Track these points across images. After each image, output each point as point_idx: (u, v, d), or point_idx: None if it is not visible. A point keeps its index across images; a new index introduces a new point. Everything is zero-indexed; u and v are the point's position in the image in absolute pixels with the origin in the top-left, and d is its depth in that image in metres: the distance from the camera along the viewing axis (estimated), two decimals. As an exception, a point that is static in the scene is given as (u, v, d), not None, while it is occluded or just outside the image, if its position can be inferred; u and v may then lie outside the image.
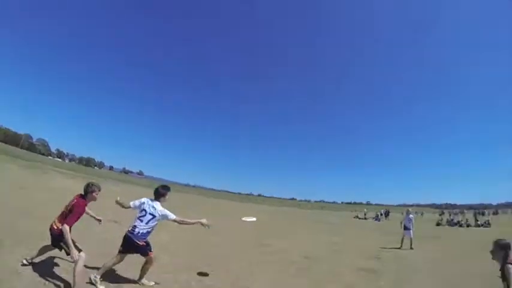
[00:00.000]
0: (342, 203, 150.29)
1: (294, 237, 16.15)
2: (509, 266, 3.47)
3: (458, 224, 32.94)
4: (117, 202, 5.38)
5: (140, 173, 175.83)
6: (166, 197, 5.28)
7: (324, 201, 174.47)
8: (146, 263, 5.11)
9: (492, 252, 3.83)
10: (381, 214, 46.05)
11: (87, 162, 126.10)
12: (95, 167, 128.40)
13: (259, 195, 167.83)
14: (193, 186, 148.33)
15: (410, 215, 14.34)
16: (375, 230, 25.83)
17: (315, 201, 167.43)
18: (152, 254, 5.06)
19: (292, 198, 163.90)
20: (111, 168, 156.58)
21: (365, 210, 54.21)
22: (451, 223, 34.20)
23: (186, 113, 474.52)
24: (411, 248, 13.36)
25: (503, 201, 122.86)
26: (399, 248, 13.54)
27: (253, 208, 47.48)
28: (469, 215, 46.08)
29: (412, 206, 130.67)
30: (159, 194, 5.19)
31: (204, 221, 5.15)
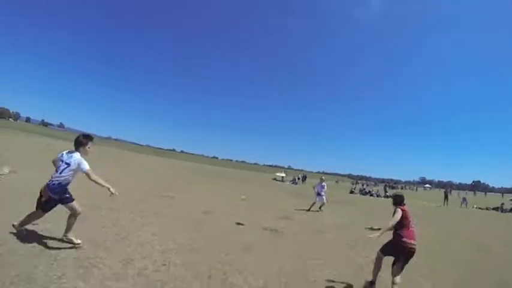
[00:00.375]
0: (263, 165, 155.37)
1: (200, 192, 15.98)
2: (398, 209, 4.95)
3: (369, 193, 36.90)
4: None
5: (61, 126, 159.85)
6: (87, 147, 4.95)
7: (245, 162, 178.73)
8: (70, 216, 4.94)
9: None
10: (299, 178, 48.75)
11: (0, 114, 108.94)
12: (10, 119, 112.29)
13: (181, 151, 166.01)
14: (115, 140, 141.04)
15: (323, 183, 15.10)
16: (289, 192, 26.79)
17: (236, 161, 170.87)
18: (74, 204, 4.89)
19: (214, 157, 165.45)
20: (28, 119, 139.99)
21: (283, 173, 55.87)
22: (362, 192, 38.10)
23: (112, 61, 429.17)
24: (320, 209, 14.43)
25: (410, 179, 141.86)
26: (308, 210, 14.17)
27: (170, 163, 48.62)
28: (381, 188, 50.58)
29: (330, 174, 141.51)
30: (79, 143, 4.89)
31: (112, 190, 4.74)
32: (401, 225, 4.83)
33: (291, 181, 45.85)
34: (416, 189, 79.23)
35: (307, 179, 50.56)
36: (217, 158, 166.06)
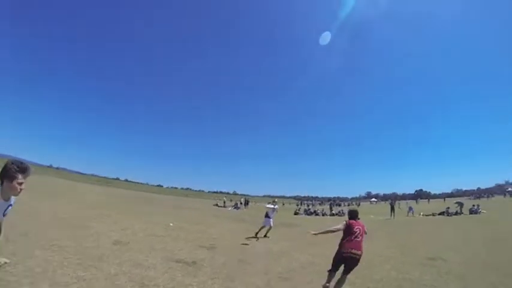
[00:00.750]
0: (208, 191, 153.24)
1: (126, 220, 14.37)
2: (344, 221, 6.02)
3: (315, 213, 36.87)
4: None
5: None
6: (15, 181, 3.01)
7: (190, 189, 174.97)
8: None
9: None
10: (241, 203, 47.67)
11: None
12: None
13: (126, 180, 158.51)
14: (57, 168, 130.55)
15: (276, 206, 14.85)
16: (229, 217, 25.54)
17: (182, 188, 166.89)
18: None
19: (159, 185, 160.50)
20: None
21: (224, 198, 55.09)
22: (308, 212, 38.04)
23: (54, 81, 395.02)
24: (266, 236, 13.78)
25: (357, 195, 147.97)
26: (256, 236, 13.56)
27: (109, 191, 45.66)
28: (326, 206, 50.83)
29: (276, 197, 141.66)
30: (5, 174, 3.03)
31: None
32: (344, 236, 5.83)
33: (233, 206, 44.33)
34: (359, 204, 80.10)
35: (249, 204, 49.84)
36: (162, 186, 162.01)
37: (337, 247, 5.87)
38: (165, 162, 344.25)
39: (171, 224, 14.81)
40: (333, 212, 36.81)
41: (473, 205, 30.45)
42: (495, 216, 24.78)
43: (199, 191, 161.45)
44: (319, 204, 70.47)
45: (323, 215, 35.52)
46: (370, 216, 31.16)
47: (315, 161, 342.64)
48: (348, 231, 5.79)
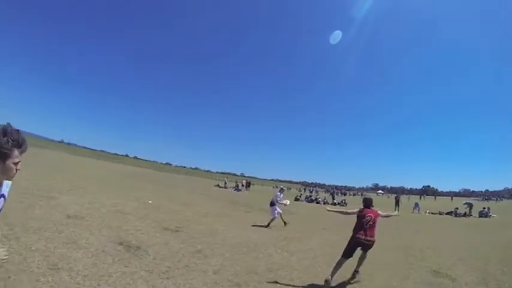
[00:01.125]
0: (216, 172, 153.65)
1: (103, 194, 13.96)
2: (358, 208, 6.49)
3: (316, 200, 35.71)
4: None
5: None
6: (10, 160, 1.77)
7: (198, 169, 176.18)
8: None
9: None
10: (243, 185, 47.05)
11: None
12: None
13: (134, 157, 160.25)
14: (68, 144, 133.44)
15: (280, 193, 13.61)
16: (221, 199, 24.50)
17: (190, 168, 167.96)
18: None
19: (168, 163, 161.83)
20: None
21: (225, 178, 54.27)
22: (308, 199, 36.83)
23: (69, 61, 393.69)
24: (268, 226, 12.47)
25: (364, 186, 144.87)
26: (267, 226, 12.46)
27: (110, 166, 47.41)
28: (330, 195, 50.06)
29: (283, 182, 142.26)
30: None
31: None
32: (357, 223, 6.28)
33: (233, 188, 43.49)
34: (361, 194, 78.28)
35: (251, 186, 49.18)
36: (170, 164, 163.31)
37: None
38: (177, 142, 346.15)
39: (150, 202, 14.08)
40: (335, 201, 35.64)
41: (484, 208, 28.61)
42: (506, 221, 23.04)
43: (207, 171, 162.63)
44: (325, 192, 69.10)
45: (324, 203, 34.03)
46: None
47: (326, 149, 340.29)
48: (361, 218, 6.24)
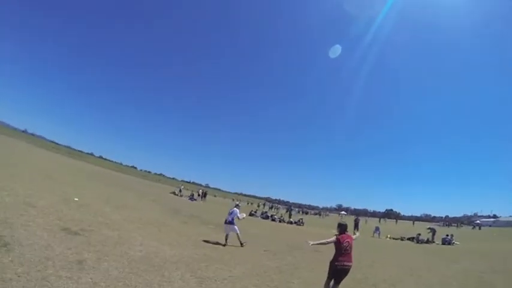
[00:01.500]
0: (181, 180, 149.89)
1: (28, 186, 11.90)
2: (335, 236, 6.44)
3: (271, 217, 34.37)
4: None
5: None
6: None
7: (163, 175, 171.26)
8: None
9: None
10: (199, 194, 45.64)
11: None
12: None
13: (100, 156, 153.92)
14: (32, 134, 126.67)
15: (236, 209, 12.64)
16: (163, 205, 23.16)
17: (155, 174, 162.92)
18: None
19: (133, 166, 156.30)
20: None
21: (181, 186, 51.78)
22: (264, 215, 35.51)
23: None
24: (242, 245, 11.96)
25: (328, 205, 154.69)
26: (224, 245, 11.54)
27: (65, 161, 45.22)
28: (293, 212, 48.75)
29: (247, 196, 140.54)
30: None
31: None
32: (336, 250, 6.33)
33: (188, 196, 40.80)
34: (320, 215, 76.75)
35: (207, 196, 47.81)
36: (136, 168, 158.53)
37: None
38: (145, 147, 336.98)
39: (76, 199, 13.09)
40: (291, 219, 34.46)
41: (447, 235, 27.06)
42: (471, 249, 21.29)
43: (172, 178, 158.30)
44: (287, 210, 67.26)
45: (280, 221, 33.31)
46: (332, 231, 28.11)
47: (293, 168, 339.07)
48: (339, 245, 6.26)
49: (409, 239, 27.22)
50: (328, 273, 6.31)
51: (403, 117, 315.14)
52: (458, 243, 25.66)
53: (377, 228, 29.68)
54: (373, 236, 27.54)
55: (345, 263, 6.12)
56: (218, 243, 11.45)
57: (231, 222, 12.02)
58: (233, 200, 65.55)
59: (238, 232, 12.02)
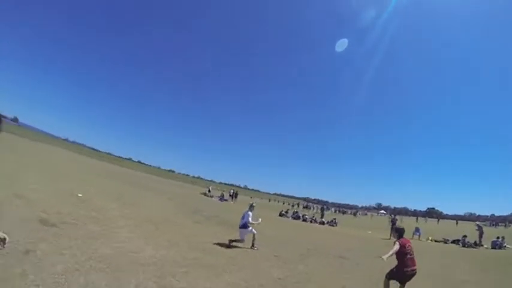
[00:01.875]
0: (220, 182, 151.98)
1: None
2: (397, 242, 6.30)
3: (302, 218, 33.01)
4: None
5: (15, 120, 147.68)
6: None
7: (201, 178, 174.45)
8: None
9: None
10: (230, 195, 45.00)
11: None
12: None
13: (138, 161, 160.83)
14: (72, 142, 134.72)
15: (249, 212, 11.22)
16: (190, 206, 22.14)
17: (193, 176, 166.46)
18: None
19: (171, 170, 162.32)
20: None
21: (210, 187, 51.83)
22: (295, 216, 34.06)
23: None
24: (253, 247, 10.86)
25: (367, 204, 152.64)
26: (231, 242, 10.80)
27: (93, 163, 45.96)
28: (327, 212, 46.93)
29: (286, 196, 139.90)
30: None
31: None
32: (402, 256, 6.25)
33: (218, 197, 40.14)
34: (355, 213, 74.47)
35: (238, 197, 46.87)
36: (173, 171, 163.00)
37: None
38: (185, 150, 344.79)
39: (80, 195, 12.85)
40: (323, 219, 32.85)
41: (498, 237, 23.92)
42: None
43: (210, 180, 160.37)
44: (324, 209, 65.45)
45: (312, 221, 31.85)
46: (367, 232, 26.19)
47: (331, 167, 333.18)
48: (403, 250, 6.22)
49: (453, 241, 24.23)
50: (391, 276, 6.44)
51: (447, 116, 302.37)
52: (510, 247, 22.68)
53: (417, 229, 26.68)
54: (412, 238, 24.81)
55: (413, 268, 6.26)
56: (221, 245, 10.25)
57: (244, 226, 10.88)
58: (270, 200, 64.35)
59: (255, 232, 10.94)
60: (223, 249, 9.86)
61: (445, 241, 24.67)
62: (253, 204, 11.92)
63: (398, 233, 6.63)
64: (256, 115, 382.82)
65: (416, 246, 17.68)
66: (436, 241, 25.08)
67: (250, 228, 10.91)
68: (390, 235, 23.43)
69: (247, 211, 11.19)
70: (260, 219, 11.65)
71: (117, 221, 10.29)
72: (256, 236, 10.92)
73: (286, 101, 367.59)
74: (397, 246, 6.19)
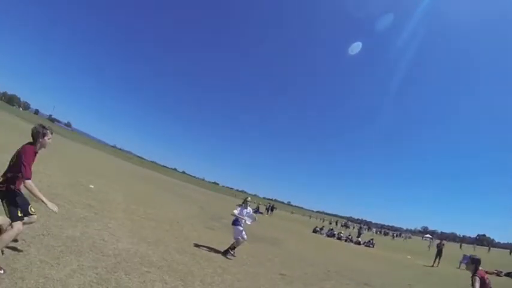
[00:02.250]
0: (263, 197, 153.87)
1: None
2: (476, 277, 5.38)
3: (337, 236, 31.61)
4: None
5: (68, 125, 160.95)
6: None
7: (245, 192, 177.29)
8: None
9: (467, 265, 6.02)
10: (266, 208, 44.54)
11: (9, 100, 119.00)
12: (19, 108, 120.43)
13: (183, 172, 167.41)
14: (120, 149, 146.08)
15: (248, 208, 10.03)
16: (209, 213, 21.78)
17: (237, 190, 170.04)
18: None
19: (215, 182, 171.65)
20: (36, 112, 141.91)
21: (249, 198, 50.10)
22: (329, 233, 32.77)
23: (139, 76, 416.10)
24: (229, 255, 9.28)
25: (412, 228, 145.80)
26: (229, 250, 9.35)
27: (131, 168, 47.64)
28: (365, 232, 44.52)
29: (329, 215, 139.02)
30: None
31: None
32: None
33: (253, 209, 39.02)
34: (396, 235, 69.10)
35: (275, 211, 46.74)
36: (217, 183, 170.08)
37: None
38: (233, 165, 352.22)
39: (92, 186, 13.30)
40: (359, 239, 30.90)
41: None
42: None
43: (254, 195, 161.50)
44: (366, 228, 62.56)
45: (347, 240, 30.06)
46: (406, 257, 23.91)
47: (378, 187, 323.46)
48: (485, 286, 5.48)
49: (507, 274, 21.58)
50: None
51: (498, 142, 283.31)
52: None
53: (465, 257, 24.15)
54: (459, 267, 22.19)
55: None
56: (218, 252, 9.06)
57: (235, 223, 9.42)
58: (309, 216, 62.55)
59: (245, 238, 9.35)
60: (217, 256, 8.61)
61: (498, 273, 21.76)
62: (248, 199, 10.48)
63: (475, 264, 5.65)
64: (308, 135, 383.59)
65: (463, 277, 15.70)
66: (487, 272, 22.25)
67: (241, 229, 9.28)
68: (434, 262, 21.20)
69: (247, 209, 9.85)
70: (257, 218, 10.70)
71: (115, 212, 10.02)
72: (241, 242, 9.30)
73: (340, 123, 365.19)
74: (478, 284, 5.29)
